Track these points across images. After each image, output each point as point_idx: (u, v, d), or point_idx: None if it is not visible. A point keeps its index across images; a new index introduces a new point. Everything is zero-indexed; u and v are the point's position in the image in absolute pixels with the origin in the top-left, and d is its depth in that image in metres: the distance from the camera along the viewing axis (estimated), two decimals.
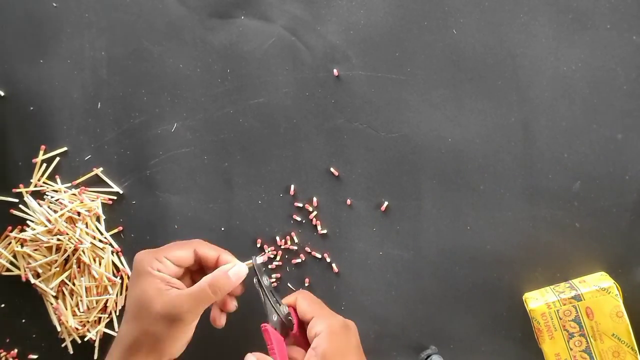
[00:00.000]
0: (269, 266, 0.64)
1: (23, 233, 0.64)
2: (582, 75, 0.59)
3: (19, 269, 0.65)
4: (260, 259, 0.56)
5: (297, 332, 0.57)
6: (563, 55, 0.59)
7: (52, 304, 0.65)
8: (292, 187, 0.63)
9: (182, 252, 0.55)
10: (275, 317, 0.56)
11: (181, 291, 0.52)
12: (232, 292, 0.56)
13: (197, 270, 0.58)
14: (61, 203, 0.63)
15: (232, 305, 0.57)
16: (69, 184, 0.65)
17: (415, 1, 0.60)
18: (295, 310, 0.58)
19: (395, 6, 0.60)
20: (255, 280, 0.56)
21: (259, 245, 0.64)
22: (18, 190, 0.65)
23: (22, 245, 0.65)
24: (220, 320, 0.57)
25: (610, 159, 0.59)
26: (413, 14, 0.60)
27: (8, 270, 0.65)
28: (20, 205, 0.65)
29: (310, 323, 0.55)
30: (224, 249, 0.57)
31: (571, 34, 0.59)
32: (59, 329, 0.65)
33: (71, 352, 0.66)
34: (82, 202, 0.64)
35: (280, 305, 0.57)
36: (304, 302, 0.57)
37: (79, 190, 0.64)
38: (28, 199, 0.64)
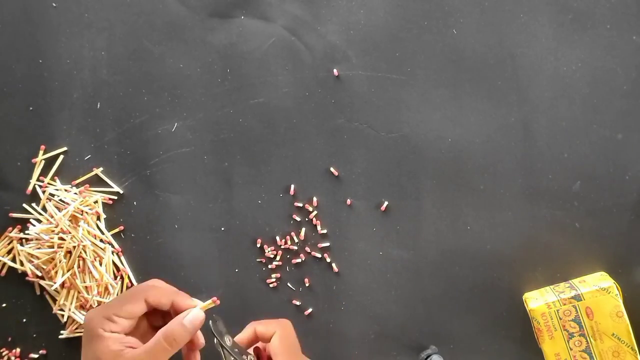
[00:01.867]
0: (269, 266, 0.64)
1: (27, 231, 0.64)
2: (582, 75, 0.59)
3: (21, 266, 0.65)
4: (219, 324, 0.52)
5: None
6: (563, 55, 0.59)
7: (55, 300, 0.65)
8: (292, 187, 0.63)
9: (133, 305, 0.50)
10: None
11: (136, 350, 0.49)
12: (194, 345, 0.52)
13: (153, 312, 0.53)
14: (63, 202, 0.64)
15: None
16: (69, 185, 0.65)
17: (415, 1, 0.60)
18: (261, 348, 0.55)
19: (395, 6, 0.60)
20: (215, 341, 0.51)
21: (258, 245, 0.64)
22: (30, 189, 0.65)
23: (21, 244, 0.65)
24: None
25: (610, 159, 0.59)
26: (413, 14, 0.60)
27: (10, 268, 0.65)
28: (24, 205, 0.65)
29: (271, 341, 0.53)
30: (179, 288, 0.52)
31: (571, 34, 0.59)
32: (64, 315, 0.65)
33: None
34: (84, 199, 0.64)
35: (246, 356, 0.53)
36: (278, 342, 0.53)
37: (80, 189, 0.64)
38: (44, 196, 0.64)
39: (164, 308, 0.51)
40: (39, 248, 0.64)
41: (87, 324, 0.50)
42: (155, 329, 0.50)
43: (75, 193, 0.64)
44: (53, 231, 0.63)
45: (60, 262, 0.63)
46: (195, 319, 0.50)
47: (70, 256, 0.64)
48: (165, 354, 0.49)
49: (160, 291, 0.51)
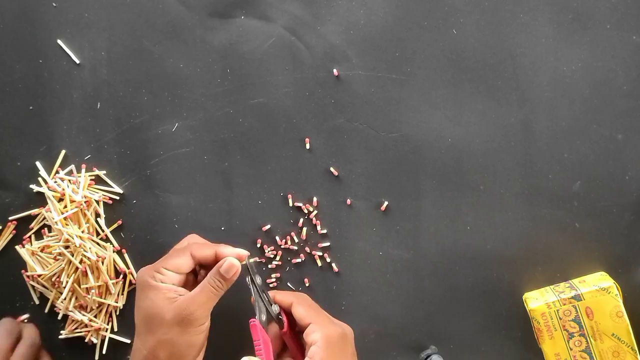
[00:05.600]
0: (269, 266, 0.64)
1: (40, 241, 0.65)
2: (582, 75, 0.59)
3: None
4: (252, 260, 0.57)
5: (287, 331, 0.57)
6: (563, 55, 0.59)
7: (60, 300, 0.65)
8: (292, 186, 0.63)
9: (180, 259, 0.56)
10: (264, 317, 0.56)
11: (186, 295, 0.54)
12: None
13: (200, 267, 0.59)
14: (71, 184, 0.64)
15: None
16: (73, 177, 0.65)
17: (415, 1, 0.60)
18: (284, 310, 0.58)
19: (395, 6, 0.60)
20: (247, 278, 0.57)
21: (259, 245, 0.64)
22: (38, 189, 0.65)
23: (23, 246, 0.65)
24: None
25: (610, 159, 0.59)
26: (413, 14, 0.60)
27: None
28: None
29: (307, 329, 0.55)
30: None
31: (571, 34, 0.59)
32: (66, 307, 0.65)
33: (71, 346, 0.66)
34: (89, 187, 0.64)
35: (271, 305, 0.57)
36: (300, 307, 0.57)
37: (88, 183, 0.64)
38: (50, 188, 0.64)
39: (209, 261, 0.56)
40: (43, 250, 0.64)
41: (140, 279, 0.56)
42: None
43: (75, 177, 0.64)
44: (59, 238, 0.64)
45: (64, 269, 0.64)
46: (230, 268, 0.55)
47: (71, 264, 0.64)
48: (212, 298, 0.55)
49: (203, 245, 0.57)
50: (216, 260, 0.56)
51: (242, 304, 0.65)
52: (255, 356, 0.53)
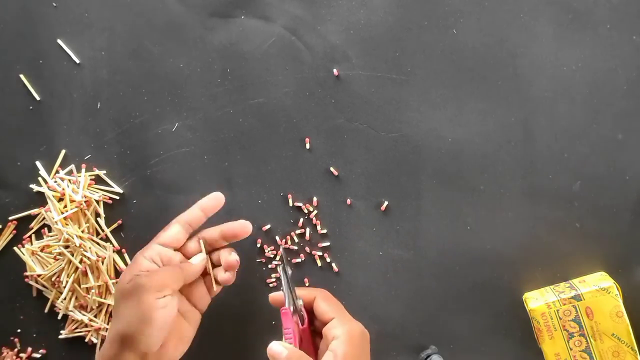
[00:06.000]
0: (269, 266, 0.64)
1: (40, 241, 0.65)
2: (582, 75, 0.59)
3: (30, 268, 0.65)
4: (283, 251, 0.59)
5: (306, 328, 0.57)
6: (563, 55, 0.59)
7: (59, 299, 0.65)
8: (292, 186, 0.63)
9: (171, 230, 0.59)
10: (292, 308, 0.56)
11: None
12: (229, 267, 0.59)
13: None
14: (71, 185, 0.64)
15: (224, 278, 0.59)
16: (73, 177, 0.65)
17: (415, 1, 0.60)
18: (305, 306, 0.58)
19: (395, 6, 0.60)
20: (280, 268, 0.58)
21: (259, 246, 0.64)
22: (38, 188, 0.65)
23: (23, 245, 0.65)
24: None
25: (610, 159, 0.59)
26: (413, 14, 0.60)
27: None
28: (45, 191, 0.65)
29: (330, 324, 0.55)
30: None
31: (571, 34, 0.59)
32: (66, 305, 0.65)
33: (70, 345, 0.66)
34: (89, 187, 0.64)
35: (297, 299, 0.57)
36: (323, 302, 0.56)
37: (88, 182, 0.64)
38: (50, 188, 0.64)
39: (211, 236, 0.59)
40: (43, 249, 0.64)
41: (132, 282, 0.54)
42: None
43: (75, 177, 0.64)
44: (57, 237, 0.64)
45: (64, 269, 0.64)
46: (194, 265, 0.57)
47: (71, 264, 0.64)
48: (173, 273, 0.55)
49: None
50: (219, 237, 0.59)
51: (242, 303, 0.65)
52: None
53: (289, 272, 0.56)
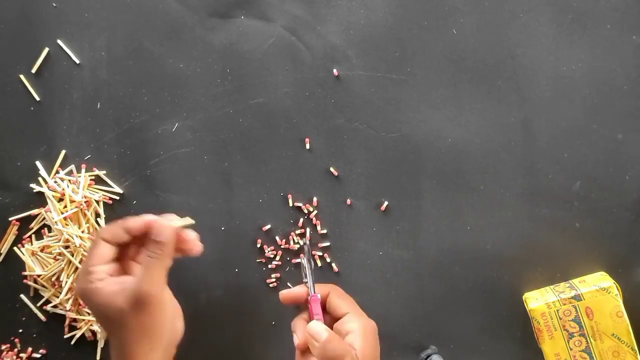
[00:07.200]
0: (269, 266, 0.64)
1: (40, 241, 0.65)
2: (582, 75, 0.59)
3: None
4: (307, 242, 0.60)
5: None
6: (563, 55, 0.59)
7: (58, 299, 0.65)
8: (292, 186, 0.63)
9: (98, 249, 0.53)
10: (319, 296, 0.57)
11: (133, 279, 0.52)
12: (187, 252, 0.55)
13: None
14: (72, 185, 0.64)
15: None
16: (72, 177, 0.65)
17: (415, 1, 0.60)
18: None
19: (395, 6, 0.60)
20: (305, 259, 0.58)
21: (259, 246, 0.64)
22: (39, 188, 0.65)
23: (23, 245, 0.65)
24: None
25: (610, 159, 0.59)
26: (413, 14, 0.60)
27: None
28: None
29: (344, 318, 0.55)
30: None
31: (571, 34, 0.59)
32: (68, 309, 0.65)
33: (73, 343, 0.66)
34: (89, 187, 0.64)
35: (314, 291, 0.57)
36: (338, 297, 0.57)
37: (88, 183, 0.64)
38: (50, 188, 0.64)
39: (136, 231, 0.53)
40: (42, 249, 0.64)
41: (78, 291, 0.52)
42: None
43: (75, 177, 0.64)
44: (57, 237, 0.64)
45: (64, 270, 0.64)
46: (160, 229, 0.52)
47: (71, 264, 0.64)
48: (157, 269, 0.51)
49: (122, 222, 0.54)
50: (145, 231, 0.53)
51: (242, 303, 0.65)
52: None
53: (313, 265, 0.58)
